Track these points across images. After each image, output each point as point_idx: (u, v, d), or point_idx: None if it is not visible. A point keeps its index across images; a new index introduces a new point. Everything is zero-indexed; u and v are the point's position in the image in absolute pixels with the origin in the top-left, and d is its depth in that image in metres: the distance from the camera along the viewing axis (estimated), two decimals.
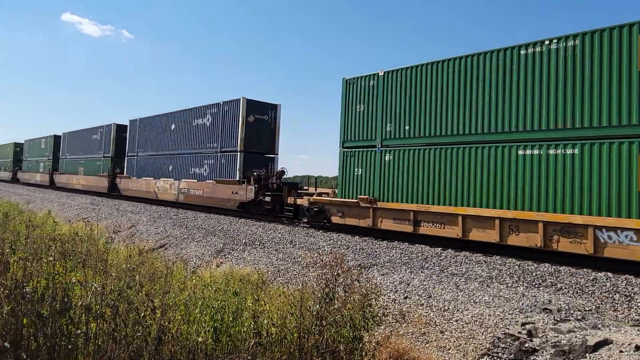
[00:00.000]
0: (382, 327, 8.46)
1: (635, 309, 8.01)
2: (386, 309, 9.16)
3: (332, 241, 14.81)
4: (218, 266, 13.64)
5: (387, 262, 11.91)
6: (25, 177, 51.88)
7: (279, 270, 12.25)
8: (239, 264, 13.41)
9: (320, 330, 6.25)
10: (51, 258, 5.75)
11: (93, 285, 5.00)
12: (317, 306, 6.40)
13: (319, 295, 6.58)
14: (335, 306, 6.55)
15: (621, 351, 6.28)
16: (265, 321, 6.26)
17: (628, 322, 7.46)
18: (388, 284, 10.35)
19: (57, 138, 45.20)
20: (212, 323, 5.53)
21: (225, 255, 14.42)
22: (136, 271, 7.04)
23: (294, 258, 13.03)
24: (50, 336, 4.57)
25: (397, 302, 9.47)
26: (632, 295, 8.64)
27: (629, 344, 6.36)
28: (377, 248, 13.55)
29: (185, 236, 17.23)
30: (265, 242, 15.25)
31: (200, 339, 5.32)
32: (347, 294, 6.92)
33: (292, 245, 14.53)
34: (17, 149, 57.01)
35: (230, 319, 5.81)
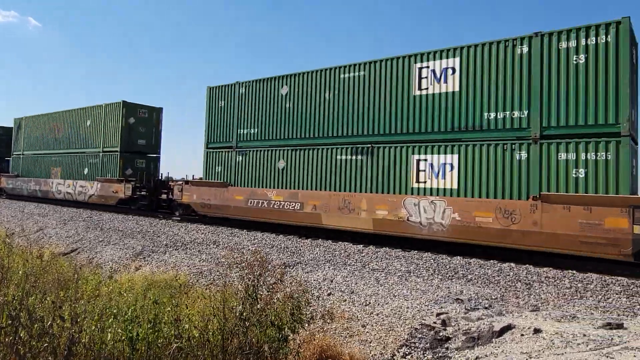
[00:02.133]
0: (307, 325, 8.57)
1: (534, 295, 8.81)
2: (311, 306, 9.29)
3: (256, 240, 14.73)
4: (137, 269, 13.03)
5: (311, 260, 12.08)
6: None
7: (201, 272, 11.96)
8: (159, 266, 12.91)
9: (245, 331, 6.21)
10: None
11: None
12: (240, 307, 6.35)
13: (242, 295, 6.53)
14: (259, 306, 6.54)
15: (522, 334, 6.88)
16: (187, 325, 6.10)
17: (528, 308, 8.19)
18: (312, 281, 10.50)
19: None
20: (127, 332, 5.29)
21: (144, 258, 13.81)
22: (39, 277, 6.54)
23: (218, 259, 12.79)
24: None
25: (321, 298, 9.64)
26: (531, 283, 9.50)
27: (529, 328, 6.99)
28: (302, 246, 13.69)
29: (101, 239, 16.26)
30: (187, 243, 14.82)
31: (116, 349, 5.07)
32: (270, 293, 6.93)
33: (215, 246, 14.25)
34: None
35: (149, 325, 5.59)
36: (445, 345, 7.17)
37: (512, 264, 10.83)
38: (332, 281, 10.37)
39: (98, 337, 5.32)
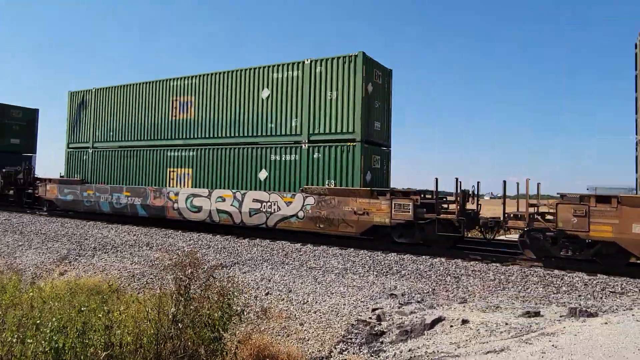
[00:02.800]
0: (245, 325, 8.51)
1: (462, 288, 9.31)
2: (248, 306, 9.22)
3: (192, 241, 14.37)
4: (62, 274, 12.28)
5: (249, 260, 11.98)
6: None
7: (133, 275, 11.49)
8: (87, 271, 12.24)
9: (179, 334, 6.06)
10: None
11: None
12: (174, 309, 6.19)
13: (175, 297, 6.37)
14: (193, 307, 6.41)
15: (451, 326, 7.26)
16: (119, 331, 5.85)
17: (457, 300, 8.64)
18: (250, 281, 10.43)
19: None
20: (52, 343, 4.98)
21: (70, 262, 13.03)
22: None
23: (151, 261, 12.34)
24: None
25: (259, 298, 9.60)
26: (460, 276, 10.03)
27: (457, 319, 7.38)
28: (239, 246, 13.54)
29: (20, 243, 15.15)
30: (118, 245, 14.17)
31: None
32: (204, 293, 6.81)
33: (148, 248, 13.74)
34: None
35: (76, 334, 5.29)
36: (380, 340, 7.40)
37: (443, 259, 11.37)
38: (270, 280, 10.35)
39: (18, 349, 4.97)
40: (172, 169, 17.44)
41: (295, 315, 8.78)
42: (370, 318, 8.08)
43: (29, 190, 22.82)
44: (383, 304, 8.57)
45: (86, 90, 20.96)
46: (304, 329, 8.32)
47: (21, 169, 24.03)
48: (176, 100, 17.63)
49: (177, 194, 16.80)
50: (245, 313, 7.88)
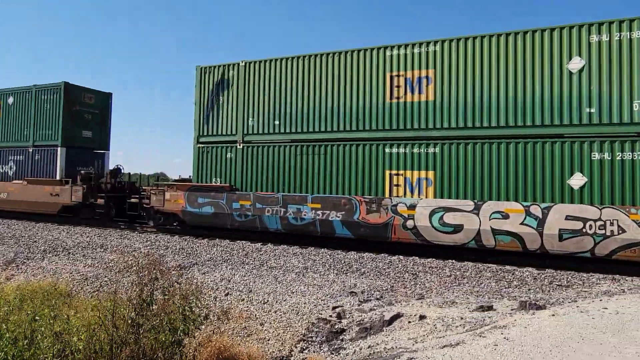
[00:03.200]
0: (204, 327, 8.40)
1: (420, 284, 9.56)
2: (207, 308, 9.11)
3: (149, 242, 14.01)
4: (8, 279, 11.68)
5: (208, 261, 11.82)
6: None
7: (86, 278, 11.09)
8: (36, 275, 11.71)
9: (137, 338, 5.91)
10: None
11: None
12: (133, 313, 6.03)
13: (135, 301, 6.20)
14: (154, 311, 6.27)
15: (409, 322, 7.44)
16: (75, 338, 5.63)
17: (414, 297, 8.86)
18: (209, 282, 10.29)
19: None
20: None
21: (18, 266, 12.42)
22: None
23: (106, 263, 11.95)
24: None
25: (218, 299, 9.50)
26: (417, 273, 10.28)
27: (415, 315, 7.58)
28: (198, 247, 13.32)
29: None
30: (70, 247, 13.62)
31: None
32: (166, 297, 6.68)
33: (102, 250, 13.29)
34: None
35: (25, 342, 5.07)
36: (341, 337, 7.49)
37: (401, 257, 11.62)
38: (230, 281, 10.25)
39: None
40: (393, 171, 12.41)
41: (255, 315, 8.75)
42: (330, 316, 8.16)
43: (132, 200, 17.48)
44: (343, 302, 8.67)
45: (229, 65, 15.12)
46: (264, 329, 8.30)
47: (103, 169, 19.73)
48: (399, 76, 12.52)
49: (412, 207, 11.94)
50: (206, 315, 7.78)
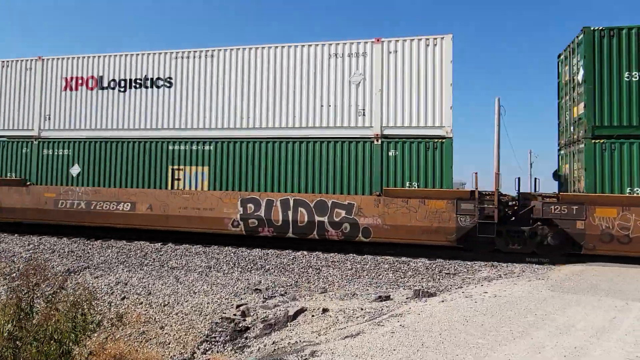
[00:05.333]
0: (97, 334, 7.84)
1: (323, 279, 9.82)
2: (101, 314, 8.52)
3: (32, 246, 12.71)
4: None
5: (102, 263, 11.04)
6: None
7: None
8: None
9: (15, 353, 5.35)
10: None
11: None
12: (10, 325, 5.45)
13: (11, 312, 5.61)
14: (35, 321, 5.72)
15: (313, 315, 7.61)
16: None
17: (318, 291, 9.09)
18: (103, 286, 9.63)
19: None
20: None
21: None
22: None
23: None
24: None
25: (113, 304, 8.93)
26: (321, 268, 10.55)
27: (318, 309, 7.77)
28: (90, 249, 12.38)
29: None
30: None
31: None
32: (50, 306, 6.12)
33: None
34: None
35: None
36: (245, 335, 7.45)
37: (305, 252, 11.83)
38: (126, 284, 9.68)
39: None
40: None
41: (155, 318, 8.37)
42: (234, 315, 8.08)
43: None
44: (248, 300, 8.63)
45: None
46: (164, 332, 7.98)
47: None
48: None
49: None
50: (99, 322, 7.27)
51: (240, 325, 7.74)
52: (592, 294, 7.32)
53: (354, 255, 11.67)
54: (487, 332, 5.27)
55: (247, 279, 9.75)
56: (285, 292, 8.94)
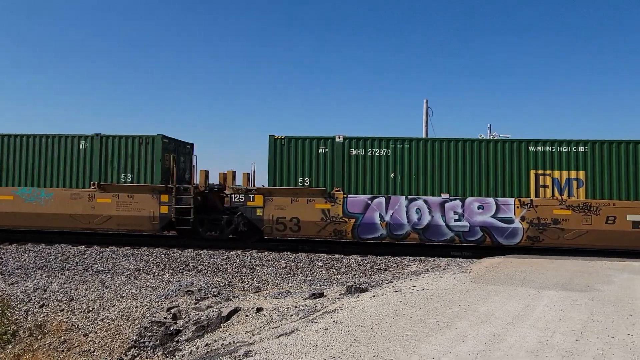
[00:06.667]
0: (12, 346, 7.29)
1: (257, 278, 9.78)
2: (16, 323, 7.92)
3: None
4: None
5: (18, 269, 10.26)
6: None
7: None
8: None
9: None
10: None
11: None
12: None
13: None
14: None
15: (247, 315, 7.57)
16: None
17: (252, 290, 9.04)
18: (19, 294, 8.95)
19: None
20: None
21: None
22: None
23: None
24: None
25: (31, 312, 8.33)
26: (255, 267, 10.50)
27: (252, 308, 7.74)
28: (4, 253, 11.45)
29: None
30: None
31: None
32: None
33: None
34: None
35: None
36: (176, 339, 7.25)
37: (239, 252, 11.70)
38: (45, 290, 9.06)
39: None
40: None
41: (78, 325, 7.92)
42: (165, 318, 7.83)
43: None
44: (179, 302, 8.40)
45: None
46: (89, 340, 7.58)
47: None
48: None
49: None
50: (14, 332, 6.78)
51: (172, 328, 7.52)
52: (509, 284, 7.89)
53: (288, 253, 11.72)
54: (415, 324, 5.53)
55: (179, 281, 9.48)
56: (219, 293, 8.80)
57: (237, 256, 11.28)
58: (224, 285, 9.33)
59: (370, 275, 9.93)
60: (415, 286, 7.84)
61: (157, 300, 8.58)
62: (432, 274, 9.25)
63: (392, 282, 8.80)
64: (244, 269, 10.37)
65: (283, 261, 10.94)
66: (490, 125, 26.22)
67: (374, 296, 7.34)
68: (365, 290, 8.14)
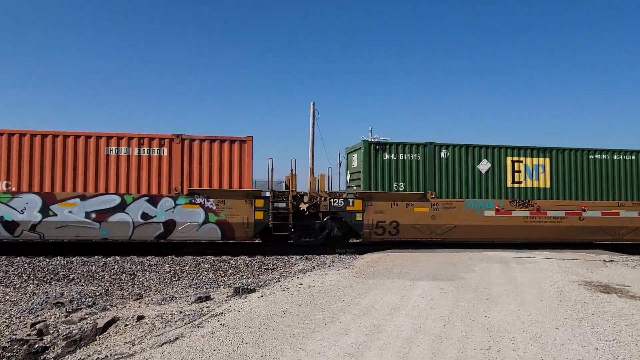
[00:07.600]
0: None
1: (138, 284, 9.22)
2: None
3: None
4: None
5: None
6: None
7: None
8: None
9: None
10: None
11: None
12: None
13: None
14: None
15: (126, 325, 7.09)
16: None
17: (132, 298, 8.49)
18: None
19: None
20: None
21: None
22: None
23: None
24: None
25: None
26: (136, 273, 9.88)
27: (132, 317, 7.28)
28: None
29: None
30: None
31: None
32: None
33: None
34: None
35: None
36: (42, 357, 6.54)
37: (118, 257, 10.92)
38: None
39: None
40: None
41: None
42: (29, 335, 7.02)
43: None
44: (46, 316, 7.59)
45: None
46: None
47: None
48: None
49: None
50: None
51: (37, 346, 6.76)
52: (387, 277, 8.48)
53: (173, 256, 11.24)
54: (302, 321, 5.68)
55: (46, 292, 8.56)
56: (94, 303, 8.13)
57: (115, 262, 10.51)
58: (100, 294, 8.64)
59: (258, 275, 9.95)
60: (302, 284, 8.03)
61: (18, 315, 7.66)
62: (319, 271, 9.56)
63: (279, 281, 8.91)
64: (124, 275, 9.71)
65: (167, 265, 10.47)
66: (372, 127, 27.82)
67: (261, 296, 7.37)
68: (253, 290, 8.13)
